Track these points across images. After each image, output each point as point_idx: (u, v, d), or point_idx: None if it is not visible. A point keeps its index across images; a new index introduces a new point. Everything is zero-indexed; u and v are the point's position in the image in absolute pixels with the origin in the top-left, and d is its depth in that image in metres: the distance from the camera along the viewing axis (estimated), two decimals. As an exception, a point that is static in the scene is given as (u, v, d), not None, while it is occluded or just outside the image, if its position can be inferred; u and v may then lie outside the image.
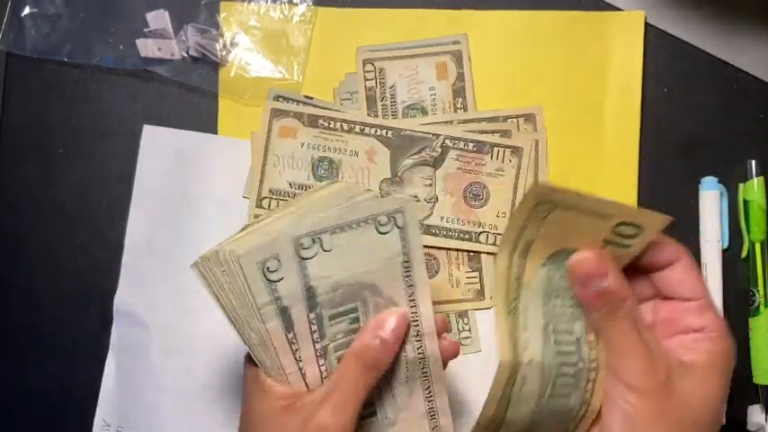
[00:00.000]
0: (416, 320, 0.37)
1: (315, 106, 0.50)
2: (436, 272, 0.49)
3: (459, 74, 0.50)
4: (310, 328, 0.36)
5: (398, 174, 0.49)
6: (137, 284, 0.50)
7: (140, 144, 0.50)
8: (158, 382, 0.49)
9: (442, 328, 0.39)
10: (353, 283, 0.36)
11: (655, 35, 0.50)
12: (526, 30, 0.50)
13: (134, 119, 0.51)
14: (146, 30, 0.50)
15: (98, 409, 0.49)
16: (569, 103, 0.50)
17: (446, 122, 0.49)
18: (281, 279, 0.35)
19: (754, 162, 0.49)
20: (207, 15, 0.50)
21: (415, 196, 0.49)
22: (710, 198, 0.49)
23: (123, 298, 0.50)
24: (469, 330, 0.49)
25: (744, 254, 0.49)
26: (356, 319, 0.37)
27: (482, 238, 0.49)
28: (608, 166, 0.49)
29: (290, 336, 0.36)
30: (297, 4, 0.50)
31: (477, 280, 0.49)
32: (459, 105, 0.50)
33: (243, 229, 0.37)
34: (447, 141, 0.49)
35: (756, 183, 0.49)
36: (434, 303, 0.38)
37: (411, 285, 0.37)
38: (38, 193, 0.51)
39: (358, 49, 0.50)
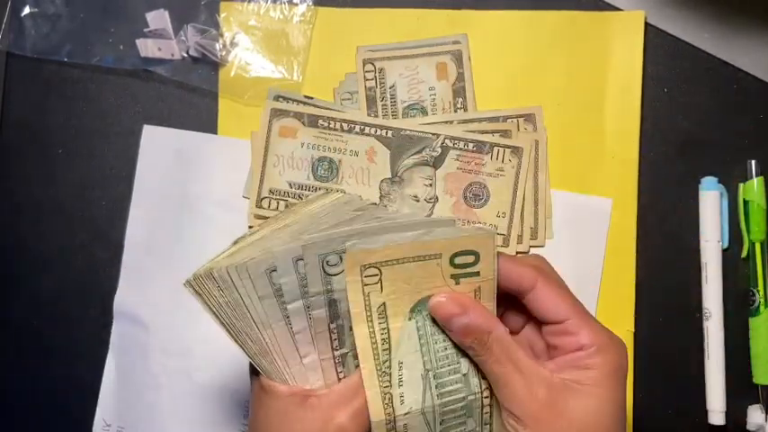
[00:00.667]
0: None
1: (315, 106, 0.50)
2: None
3: (459, 74, 0.50)
4: (330, 337, 0.36)
5: (398, 174, 0.49)
6: (137, 284, 0.50)
7: (140, 144, 0.50)
8: (158, 381, 0.49)
9: None
10: None
11: (655, 35, 0.50)
12: (526, 30, 0.50)
13: (134, 119, 0.51)
14: (146, 30, 0.50)
15: (98, 409, 0.49)
16: (569, 103, 0.50)
17: (446, 122, 0.49)
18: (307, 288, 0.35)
19: (754, 162, 0.49)
20: (207, 15, 0.50)
21: (415, 196, 0.49)
22: (710, 198, 0.49)
23: (123, 298, 0.50)
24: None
25: (744, 254, 0.49)
26: None
27: (482, 238, 0.49)
28: (608, 166, 0.49)
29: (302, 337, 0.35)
30: (297, 4, 0.50)
31: (477, 280, 0.49)
32: (459, 105, 0.50)
33: (234, 244, 0.37)
34: (447, 141, 0.49)
35: (756, 183, 0.49)
36: None
37: None
38: (38, 193, 0.51)
39: (358, 49, 0.50)
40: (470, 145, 0.49)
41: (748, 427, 0.48)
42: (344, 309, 0.35)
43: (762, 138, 0.50)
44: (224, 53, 0.50)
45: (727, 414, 0.48)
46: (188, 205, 0.50)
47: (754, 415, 0.48)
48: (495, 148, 0.49)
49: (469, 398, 0.34)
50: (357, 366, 0.36)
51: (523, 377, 0.33)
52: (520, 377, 0.33)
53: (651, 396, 0.49)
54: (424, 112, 0.50)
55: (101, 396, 0.49)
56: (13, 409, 0.50)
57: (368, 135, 0.49)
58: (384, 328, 0.33)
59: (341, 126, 0.49)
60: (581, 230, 0.49)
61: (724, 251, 0.49)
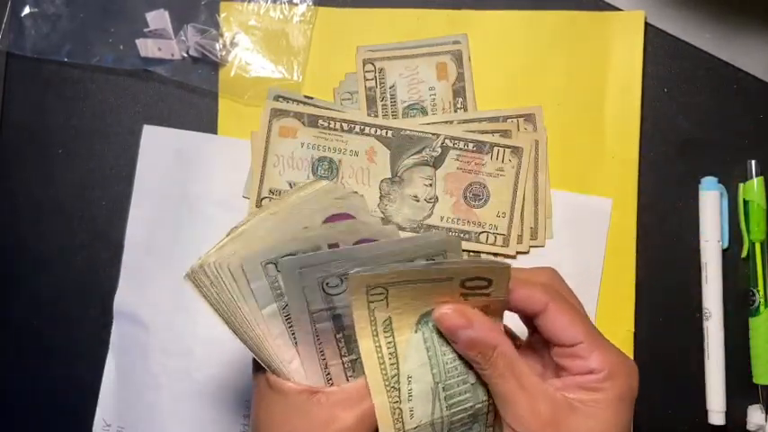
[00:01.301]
0: None
1: (315, 106, 0.50)
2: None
3: (459, 74, 0.50)
4: (338, 345, 0.35)
5: (398, 174, 0.49)
6: (137, 284, 0.50)
7: (140, 144, 0.50)
8: (158, 381, 0.49)
9: None
10: None
11: (655, 35, 0.50)
12: (526, 30, 0.50)
13: (134, 119, 0.51)
14: (146, 30, 0.50)
15: (98, 409, 0.49)
16: (569, 103, 0.50)
17: (446, 122, 0.49)
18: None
19: (754, 162, 0.49)
20: (207, 15, 0.50)
21: (415, 196, 0.49)
22: (710, 198, 0.49)
23: (123, 298, 0.50)
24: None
25: (744, 254, 0.49)
26: None
27: (482, 237, 0.49)
28: (608, 166, 0.49)
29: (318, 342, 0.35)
30: (297, 4, 0.50)
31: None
32: (459, 105, 0.50)
33: (227, 234, 0.36)
34: (447, 141, 0.49)
35: (756, 183, 0.49)
36: None
37: None
38: (38, 193, 0.51)
39: (358, 49, 0.50)
40: (470, 145, 0.49)
41: (748, 427, 0.48)
42: (349, 322, 0.34)
43: (762, 138, 0.50)
44: (224, 53, 0.50)
45: (727, 414, 0.48)
46: (188, 205, 0.50)
47: (754, 415, 0.48)
48: (495, 148, 0.49)
49: (477, 406, 0.34)
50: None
51: (526, 394, 0.32)
52: (523, 394, 0.32)
53: (651, 396, 0.48)
54: (424, 112, 0.50)
55: (101, 396, 0.49)
56: (13, 409, 0.50)
57: (368, 135, 0.49)
58: (390, 342, 0.33)
59: (341, 126, 0.49)
60: (581, 230, 0.49)
61: (724, 251, 0.49)
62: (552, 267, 0.37)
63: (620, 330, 0.48)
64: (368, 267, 0.31)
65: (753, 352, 0.48)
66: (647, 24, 0.50)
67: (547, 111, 0.49)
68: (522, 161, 0.49)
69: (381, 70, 0.50)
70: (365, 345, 0.33)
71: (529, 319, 0.35)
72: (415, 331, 0.33)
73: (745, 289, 0.49)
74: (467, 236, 0.49)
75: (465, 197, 0.49)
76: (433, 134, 0.49)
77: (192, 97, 0.51)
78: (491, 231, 0.49)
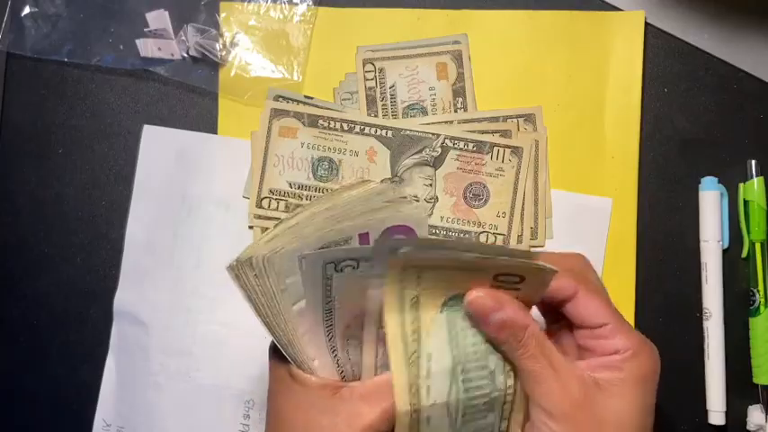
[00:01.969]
0: None
1: (315, 106, 0.50)
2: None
3: (459, 74, 0.50)
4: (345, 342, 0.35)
5: (398, 174, 0.49)
6: (137, 284, 0.50)
7: (140, 144, 0.50)
8: (158, 381, 0.49)
9: None
10: None
11: (655, 35, 0.50)
12: (526, 30, 0.50)
13: (134, 119, 0.51)
14: (146, 30, 0.50)
15: (98, 409, 0.49)
16: (569, 103, 0.50)
17: (446, 122, 0.49)
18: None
19: (754, 162, 0.49)
20: (207, 15, 0.50)
21: (415, 196, 0.49)
22: (710, 198, 0.49)
23: (123, 298, 0.50)
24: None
25: (744, 254, 0.49)
26: None
27: (482, 237, 0.49)
28: (608, 166, 0.49)
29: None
30: (297, 4, 0.50)
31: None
32: (459, 105, 0.50)
33: (276, 226, 0.36)
34: (447, 141, 0.49)
35: (756, 183, 0.49)
36: None
37: None
38: (38, 193, 0.51)
39: (358, 49, 0.50)
40: (470, 145, 0.49)
41: (748, 427, 0.48)
42: (350, 317, 0.34)
43: (762, 138, 0.50)
44: (224, 53, 0.50)
45: (727, 414, 0.48)
46: (188, 205, 0.50)
47: (754, 415, 0.48)
48: (495, 148, 0.49)
49: (494, 395, 0.34)
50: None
51: (557, 374, 0.33)
52: (554, 374, 0.33)
53: (651, 396, 0.49)
54: (424, 112, 0.50)
55: (101, 396, 0.49)
56: (13, 409, 0.50)
57: (368, 135, 0.49)
58: (416, 318, 0.33)
59: (341, 126, 0.49)
60: (581, 230, 0.49)
61: (724, 251, 0.49)
62: (581, 254, 0.38)
63: (620, 330, 0.48)
64: (410, 248, 0.31)
65: (753, 352, 0.48)
66: (647, 24, 0.50)
67: (547, 111, 0.49)
68: (522, 161, 0.49)
69: (381, 70, 0.50)
70: (391, 319, 0.33)
71: (551, 305, 0.35)
72: (441, 311, 0.33)
73: (745, 289, 0.49)
74: (467, 236, 0.49)
75: (465, 197, 0.49)
76: (433, 134, 0.49)
77: (192, 97, 0.51)
78: (491, 231, 0.49)
